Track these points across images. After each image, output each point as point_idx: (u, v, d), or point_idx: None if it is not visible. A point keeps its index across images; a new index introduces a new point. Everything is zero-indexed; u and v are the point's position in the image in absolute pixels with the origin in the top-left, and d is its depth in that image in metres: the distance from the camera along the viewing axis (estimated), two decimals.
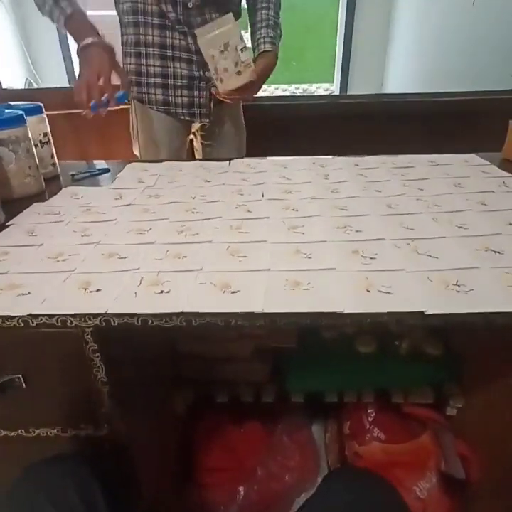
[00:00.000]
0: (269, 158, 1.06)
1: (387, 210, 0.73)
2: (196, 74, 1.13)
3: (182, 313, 0.48)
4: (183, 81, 1.13)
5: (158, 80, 1.13)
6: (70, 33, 1.01)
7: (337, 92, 3.89)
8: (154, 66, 1.12)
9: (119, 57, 1.07)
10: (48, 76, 3.28)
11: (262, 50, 1.13)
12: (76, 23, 0.99)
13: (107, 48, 0.98)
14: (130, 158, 1.17)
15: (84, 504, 0.49)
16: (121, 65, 1.14)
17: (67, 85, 3.14)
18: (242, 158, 1.25)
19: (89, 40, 0.96)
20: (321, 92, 4.18)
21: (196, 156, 1.36)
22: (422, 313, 0.46)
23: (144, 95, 1.15)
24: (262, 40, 1.13)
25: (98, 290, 0.53)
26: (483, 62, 2.24)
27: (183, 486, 0.91)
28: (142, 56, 1.11)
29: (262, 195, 0.81)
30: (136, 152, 1.26)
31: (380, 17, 3.51)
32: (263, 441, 0.96)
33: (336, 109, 1.74)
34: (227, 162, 1.04)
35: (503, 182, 0.83)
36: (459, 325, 0.47)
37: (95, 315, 0.48)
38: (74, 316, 0.48)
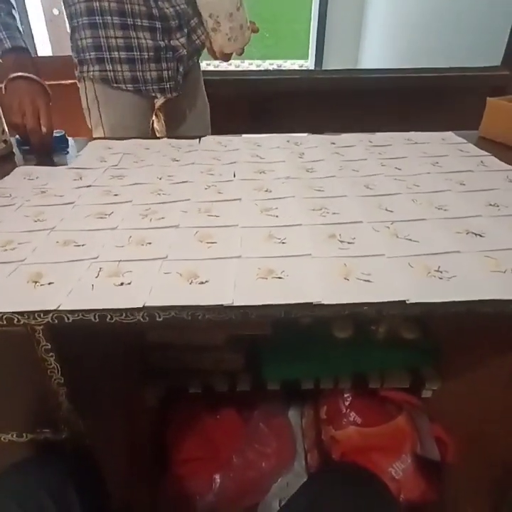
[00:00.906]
0: (242, 135, 1.00)
1: (365, 190, 0.70)
2: (162, 44, 1.03)
3: (144, 308, 0.43)
4: (150, 53, 1.02)
5: (123, 54, 1.01)
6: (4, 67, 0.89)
7: (312, 68, 3.80)
8: (116, 38, 0.99)
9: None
10: None
11: None
12: (12, 59, 0.90)
13: (39, 84, 0.90)
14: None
15: (59, 506, 0.46)
16: (72, 43, 1.03)
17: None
18: (209, 130, 1.20)
19: (19, 73, 0.87)
20: (295, 68, 4.09)
21: (158, 136, 1.27)
22: (403, 302, 0.43)
23: (109, 73, 1.02)
24: None
25: (50, 283, 0.47)
26: (459, 39, 2.21)
27: (158, 479, 0.88)
28: (100, 27, 0.97)
29: (234, 175, 0.76)
30: (97, 132, 1.13)
31: None
32: (239, 429, 0.94)
33: (311, 85, 1.68)
34: (197, 140, 0.98)
35: (481, 161, 0.81)
36: (442, 314, 0.44)
37: (46, 312, 0.43)
38: (22, 313, 0.43)
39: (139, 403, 0.81)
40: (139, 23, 0.99)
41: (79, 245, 0.55)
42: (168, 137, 1.10)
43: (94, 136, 1.13)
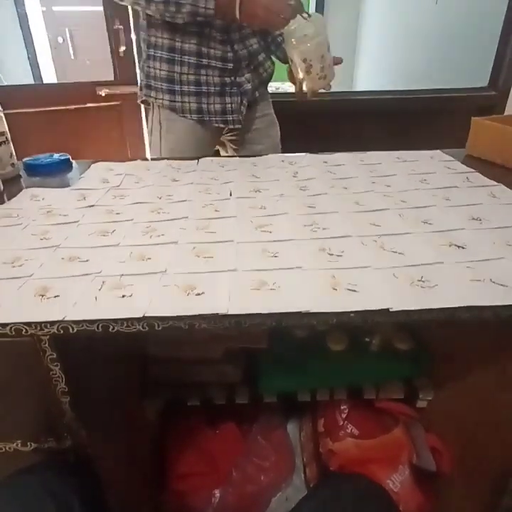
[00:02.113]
0: (237, 157, 1.05)
1: (355, 207, 0.73)
2: (228, 80, 1.09)
3: (144, 318, 0.46)
4: (216, 88, 1.09)
5: (192, 88, 1.08)
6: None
7: None
8: (188, 74, 1.07)
9: None
10: (13, 74, 3.16)
11: None
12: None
13: None
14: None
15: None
16: (145, 67, 1.11)
17: (32, 82, 3.05)
18: (278, 152, 1.26)
19: None
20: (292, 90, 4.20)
21: None
22: (387, 310, 0.46)
23: (176, 104, 1.10)
24: None
25: (56, 296, 0.50)
26: (447, 61, 2.29)
27: (157, 493, 0.89)
28: (176, 63, 1.06)
29: (230, 194, 0.80)
30: (155, 154, 1.20)
31: (350, 18, 3.57)
32: (238, 443, 0.95)
33: (306, 107, 1.74)
34: (196, 161, 1.02)
35: (467, 177, 0.85)
36: (425, 321, 0.47)
37: (52, 322, 0.46)
38: (29, 324, 0.45)
39: (139, 416, 0.83)
40: (213, 64, 1.07)
41: (83, 261, 0.58)
42: None
43: (151, 155, 1.22)
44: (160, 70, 1.08)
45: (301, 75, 0.96)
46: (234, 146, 1.29)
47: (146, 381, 0.83)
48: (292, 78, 1.03)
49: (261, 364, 0.83)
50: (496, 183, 0.81)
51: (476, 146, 0.99)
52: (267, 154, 1.07)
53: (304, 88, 0.99)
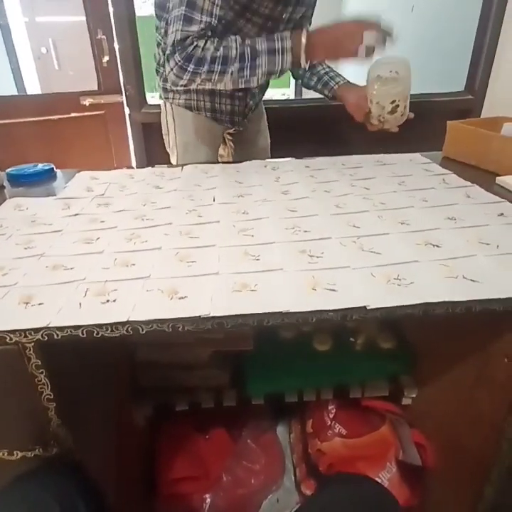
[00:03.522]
0: (221, 164, 1.06)
1: (335, 209, 0.75)
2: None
3: (128, 322, 0.47)
4: (227, 91, 1.13)
5: (207, 89, 1.10)
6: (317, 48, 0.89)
7: (292, 97, 3.97)
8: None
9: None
10: None
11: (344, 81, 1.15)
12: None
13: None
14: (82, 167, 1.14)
15: None
16: (164, 73, 1.10)
17: (16, 94, 3.03)
18: (268, 154, 1.35)
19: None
20: (278, 96, 4.26)
21: (220, 160, 1.37)
22: (364, 307, 0.48)
23: (192, 102, 1.15)
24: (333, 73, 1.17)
25: (40, 304, 0.51)
26: (424, 66, 2.35)
27: (148, 498, 0.89)
28: None
29: (214, 200, 0.81)
30: (173, 154, 1.25)
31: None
32: (227, 447, 0.95)
33: (291, 113, 1.77)
34: (180, 168, 1.03)
35: (443, 179, 0.88)
36: (401, 317, 0.49)
37: (36, 329, 0.46)
38: (13, 331, 0.46)
39: (127, 422, 0.83)
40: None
41: (67, 269, 0.59)
42: (234, 160, 1.24)
43: (171, 161, 1.26)
44: None
45: (384, 115, 0.98)
46: (232, 144, 1.35)
47: (134, 387, 0.84)
48: (367, 117, 1.03)
49: (247, 366, 0.84)
50: (470, 183, 0.84)
51: (452, 149, 1.02)
52: (261, 153, 1.13)
53: (385, 126, 1.00)
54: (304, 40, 0.86)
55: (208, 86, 0.92)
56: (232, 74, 0.87)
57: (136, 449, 0.89)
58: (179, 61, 0.86)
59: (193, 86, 0.92)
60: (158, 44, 1.13)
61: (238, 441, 0.97)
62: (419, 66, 2.41)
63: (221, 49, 0.85)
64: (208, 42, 0.86)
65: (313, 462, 0.91)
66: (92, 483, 0.56)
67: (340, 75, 1.18)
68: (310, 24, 1.20)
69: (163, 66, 1.12)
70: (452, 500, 0.72)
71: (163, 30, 1.08)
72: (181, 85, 0.92)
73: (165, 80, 1.15)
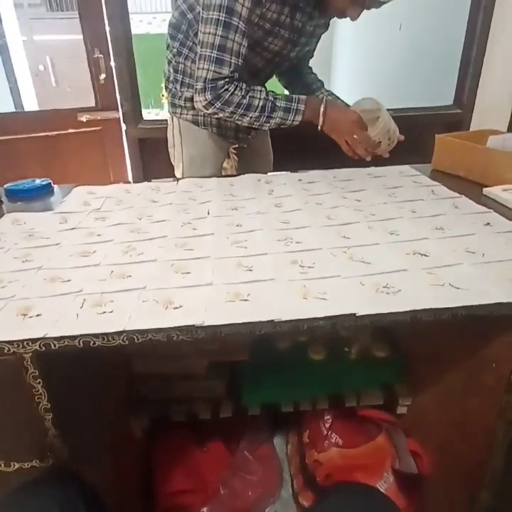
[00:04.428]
0: (215, 178, 1.09)
1: (327, 221, 0.77)
2: None
3: (124, 332, 0.48)
4: None
5: None
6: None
7: None
8: None
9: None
10: None
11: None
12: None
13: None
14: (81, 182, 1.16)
15: None
16: (173, 89, 1.19)
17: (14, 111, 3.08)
18: (271, 168, 1.40)
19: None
20: None
21: (223, 173, 1.40)
22: (354, 315, 0.49)
23: (199, 118, 1.20)
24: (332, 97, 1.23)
25: (38, 315, 0.52)
26: (414, 81, 2.42)
27: (146, 511, 0.88)
28: None
29: (208, 213, 0.83)
30: (178, 167, 1.28)
31: (323, 44, 3.73)
32: (225, 458, 0.95)
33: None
34: (176, 182, 1.05)
35: (432, 190, 0.90)
36: (389, 323, 0.50)
37: (34, 340, 0.47)
38: (11, 342, 0.47)
39: (124, 433, 0.83)
40: None
41: (64, 281, 0.60)
42: (238, 173, 1.26)
43: (176, 174, 1.30)
44: (187, 91, 1.16)
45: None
46: (236, 157, 1.40)
47: (131, 398, 0.84)
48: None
49: (244, 377, 0.85)
50: (458, 194, 0.86)
51: (441, 161, 1.04)
52: (265, 167, 1.18)
53: (378, 153, 1.07)
54: (322, 108, 1.00)
55: (228, 119, 1.05)
56: (250, 118, 1.01)
57: (133, 460, 0.89)
58: (209, 98, 0.98)
59: (216, 116, 1.07)
60: (169, 62, 1.18)
61: (235, 453, 0.97)
62: (408, 82, 2.49)
63: (247, 97, 0.98)
64: (237, 88, 0.98)
65: (310, 473, 0.91)
66: (92, 491, 0.56)
67: (339, 98, 1.24)
68: (312, 57, 1.30)
69: (173, 83, 1.19)
70: (448, 507, 0.72)
71: (175, 50, 1.15)
72: (207, 113, 1.05)
73: (173, 96, 1.20)
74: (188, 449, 0.94)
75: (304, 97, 1.02)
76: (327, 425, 0.92)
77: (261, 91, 1.00)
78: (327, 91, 1.25)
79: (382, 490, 0.85)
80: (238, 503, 0.92)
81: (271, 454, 1.02)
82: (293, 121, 1.01)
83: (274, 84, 1.28)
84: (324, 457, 0.90)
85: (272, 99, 0.99)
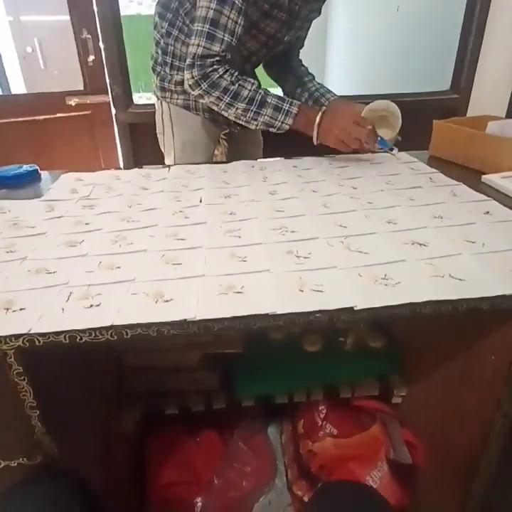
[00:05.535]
0: (208, 164, 1.05)
1: (323, 209, 0.75)
2: None
3: (112, 327, 0.46)
4: None
5: None
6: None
7: None
8: None
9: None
10: None
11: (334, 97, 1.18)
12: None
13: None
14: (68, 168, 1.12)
15: None
16: (162, 72, 1.14)
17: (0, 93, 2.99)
18: (260, 153, 1.37)
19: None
20: None
21: (214, 159, 1.37)
22: (352, 308, 0.47)
23: (191, 102, 1.15)
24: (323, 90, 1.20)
25: (22, 309, 0.50)
26: (410, 65, 2.37)
27: (139, 504, 0.88)
28: None
29: (200, 201, 0.81)
30: (169, 154, 1.24)
31: (318, 28, 3.65)
32: (218, 450, 0.95)
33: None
34: (167, 169, 1.02)
35: (430, 178, 0.88)
36: (389, 317, 0.48)
37: (17, 336, 0.45)
38: None
39: (115, 428, 0.82)
40: None
41: (50, 273, 0.58)
42: (231, 158, 1.23)
43: (166, 162, 1.25)
44: (177, 75, 1.12)
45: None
46: (226, 143, 1.37)
47: (122, 391, 0.83)
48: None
49: (237, 368, 0.84)
50: (456, 182, 0.84)
51: (439, 148, 1.02)
52: (254, 152, 1.15)
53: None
54: (318, 119, 0.94)
55: (213, 107, 0.99)
56: (236, 110, 0.95)
57: (125, 455, 0.88)
58: (196, 76, 0.92)
59: (202, 100, 0.99)
60: (157, 43, 1.13)
61: (229, 444, 0.96)
62: (405, 65, 2.44)
63: (236, 85, 0.92)
64: (227, 73, 0.92)
65: (304, 463, 0.91)
66: (86, 488, 0.55)
67: (330, 91, 1.20)
68: (302, 46, 1.26)
69: (161, 65, 1.13)
70: (442, 498, 0.72)
71: (164, 30, 1.10)
72: (193, 95, 0.98)
73: (162, 79, 1.15)
74: (182, 440, 0.93)
75: (298, 102, 0.96)
76: (322, 415, 0.92)
77: (253, 83, 0.94)
78: (319, 84, 1.22)
79: (376, 479, 0.85)
80: (232, 493, 0.92)
81: (265, 444, 1.01)
82: (282, 123, 0.95)
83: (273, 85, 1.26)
84: (319, 447, 0.89)
85: (263, 93, 0.94)
